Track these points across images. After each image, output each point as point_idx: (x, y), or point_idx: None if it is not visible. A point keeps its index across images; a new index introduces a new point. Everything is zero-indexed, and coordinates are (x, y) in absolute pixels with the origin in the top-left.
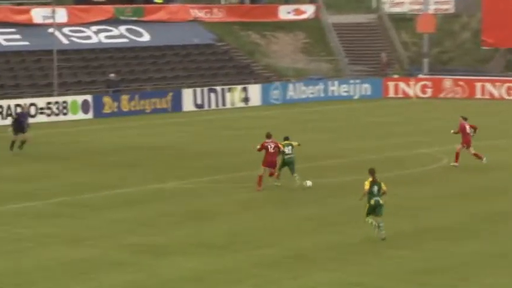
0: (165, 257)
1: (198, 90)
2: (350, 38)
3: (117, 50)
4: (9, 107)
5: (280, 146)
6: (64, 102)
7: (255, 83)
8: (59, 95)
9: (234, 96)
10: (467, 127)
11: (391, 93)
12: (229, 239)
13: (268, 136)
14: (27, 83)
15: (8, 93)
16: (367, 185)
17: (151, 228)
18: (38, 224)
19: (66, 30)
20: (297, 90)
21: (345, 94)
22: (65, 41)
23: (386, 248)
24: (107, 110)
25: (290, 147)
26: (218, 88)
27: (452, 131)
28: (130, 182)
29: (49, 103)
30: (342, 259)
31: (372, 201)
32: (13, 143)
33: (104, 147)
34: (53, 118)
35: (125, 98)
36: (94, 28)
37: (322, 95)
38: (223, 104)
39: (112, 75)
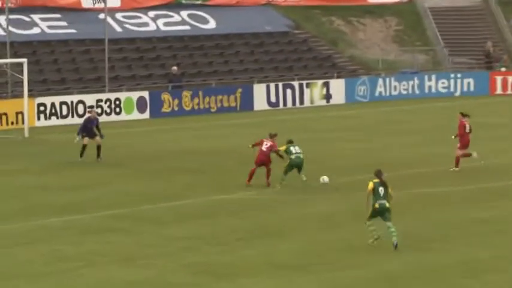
0: (229, 278)
1: (272, 85)
2: (450, 24)
3: (178, 39)
4: (53, 105)
5: (275, 145)
6: (117, 99)
7: (338, 77)
8: (110, 91)
9: (313, 93)
10: (467, 126)
11: (499, 90)
12: (304, 259)
13: (272, 136)
14: (73, 77)
15: (51, 88)
16: (370, 185)
17: (215, 246)
18: (84, 240)
19: (119, 16)
20: (387, 86)
21: (443, 90)
22: (117, 28)
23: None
24: (165, 109)
25: (297, 147)
26: (295, 83)
27: (453, 136)
28: (191, 192)
29: (99, 100)
30: (440, 280)
31: (377, 205)
32: (84, 147)
33: (161, 151)
34: (104, 118)
35: (186, 94)
36: (151, 14)
37: (416, 91)
38: (301, 102)
39: (174, 68)
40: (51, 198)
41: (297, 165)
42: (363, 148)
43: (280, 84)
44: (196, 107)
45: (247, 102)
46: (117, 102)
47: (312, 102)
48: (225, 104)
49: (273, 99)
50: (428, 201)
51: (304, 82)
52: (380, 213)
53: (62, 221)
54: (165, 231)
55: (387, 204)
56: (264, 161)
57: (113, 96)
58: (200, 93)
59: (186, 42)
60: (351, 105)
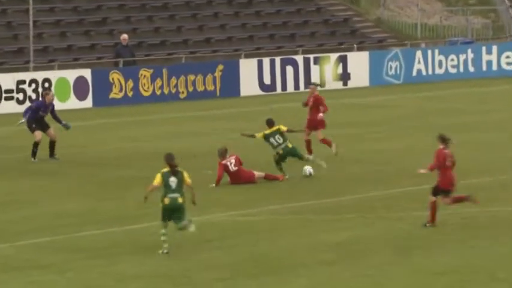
0: None
1: (266, 61)
2: None
3: None
4: None
5: (237, 158)
6: (45, 80)
7: (360, 49)
8: (37, 69)
9: (324, 72)
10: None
11: None
12: None
13: (222, 153)
14: None
15: None
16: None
17: None
18: None
19: None
20: (429, 62)
21: (509, 67)
22: None
23: None
24: (115, 95)
25: (277, 135)
26: (298, 58)
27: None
28: (151, 212)
29: (20, 82)
30: None
31: (166, 200)
32: (36, 145)
33: (110, 154)
34: (26, 106)
35: (144, 74)
36: None
37: (471, 69)
38: (307, 84)
39: (125, 36)
40: None
41: (291, 155)
42: (394, 150)
43: (277, 60)
44: (158, 92)
45: (230, 84)
46: (46, 85)
47: (322, 84)
48: (200, 88)
49: (266, 80)
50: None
51: (312, 56)
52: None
53: None
54: (114, 267)
55: (180, 200)
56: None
57: (40, 76)
58: (164, 71)
59: (143, 0)
60: (377, 89)
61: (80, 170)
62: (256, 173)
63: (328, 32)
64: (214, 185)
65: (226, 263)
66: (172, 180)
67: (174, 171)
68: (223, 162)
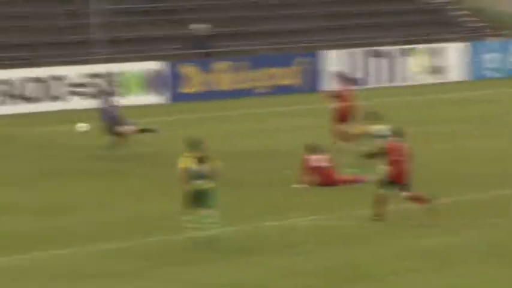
0: None
1: (350, 53)
2: None
3: None
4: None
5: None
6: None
7: (455, 40)
8: (103, 60)
9: (416, 64)
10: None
11: None
12: None
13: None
14: (46, 39)
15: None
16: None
17: None
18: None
19: None
20: None
21: None
22: None
23: None
24: (188, 89)
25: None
26: (387, 49)
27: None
28: (229, 214)
29: (89, 75)
30: None
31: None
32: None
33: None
34: (92, 102)
35: (219, 67)
36: None
37: None
38: (396, 77)
39: (198, 26)
40: (17, 226)
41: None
42: (495, 149)
43: (362, 51)
44: (234, 86)
45: (312, 78)
46: (117, 78)
47: (413, 78)
48: (279, 81)
49: (352, 73)
50: None
51: (401, 47)
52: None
53: (29, 260)
54: (188, 275)
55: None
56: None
57: (109, 68)
58: (241, 64)
59: None
60: (476, 84)
61: (151, 170)
62: (343, 176)
63: (420, 21)
64: (297, 185)
65: (309, 270)
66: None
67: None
68: (309, 158)
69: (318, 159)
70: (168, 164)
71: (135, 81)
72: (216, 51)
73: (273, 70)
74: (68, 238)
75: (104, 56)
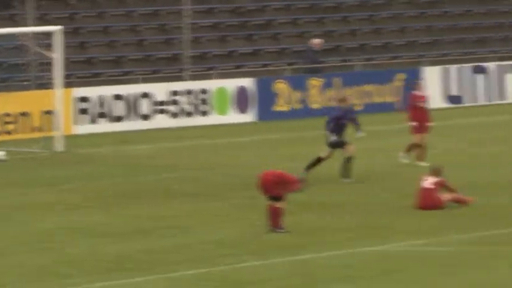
0: None
1: (453, 68)
2: None
3: None
4: (102, 100)
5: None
6: (202, 91)
7: None
8: (193, 77)
9: None
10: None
11: None
12: None
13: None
14: (132, 55)
15: (100, 73)
16: None
17: None
18: None
19: None
20: None
21: None
22: None
23: None
24: (279, 107)
25: None
26: (491, 65)
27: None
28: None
29: (174, 93)
30: None
31: None
32: (318, 160)
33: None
34: (178, 121)
35: (314, 84)
36: None
37: None
38: (501, 94)
39: (316, 41)
40: (97, 249)
41: None
42: None
43: (466, 67)
44: (330, 104)
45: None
46: (203, 96)
47: None
48: (377, 99)
49: (454, 90)
50: None
51: (506, 63)
52: None
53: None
54: None
55: None
56: (428, 206)
57: (196, 85)
58: (336, 81)
59: (312, 0)
60: None
61: (236, 192)
62: (445, 197)
63: None
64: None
65: None
66: None
67: None
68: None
69: (426, 179)
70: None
71: (223, 99)
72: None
73: (369, 87)
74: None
75: (193, 73)
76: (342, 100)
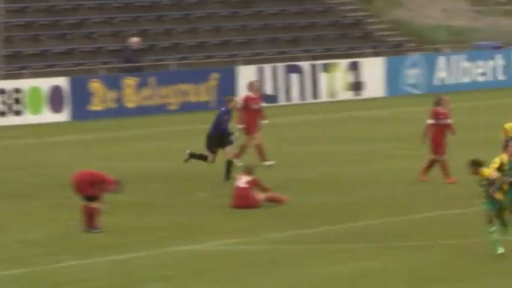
0: None
1: (267, 68)
2: None
3: None
4: None
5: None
6: (16, 90)
7: (375, 55)
8: (7, 76)
9: (334, 80)
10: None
11: None
12: None
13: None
14: None
15: None
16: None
17: None
18: None
19: None
20: (454, 69)
21: None
22: None
23: None
24: (95, 106)
25: None
26: (304, 65)
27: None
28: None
29: None
30: None
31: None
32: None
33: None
34: None
35: (129, 83)
36: None
37: (501, 77)
38: (315, 94)
39: (133, 40)
40: None
41: None
42: (416, 170)
43: (280, 66)
44: (145, 103)
45: (227, 94)
46: (17, 95)
47: (331, 94)
48: (193, 99)
49: (269, 89)
50: None
51: (320, 63)
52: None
53: None
54: None
55: None
56: (243, 205)
57: (9, 85)
58: (152, 80)
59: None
60: (396, 100)
61: (51, 191)
62: (260, 196)
63: (338, 35)
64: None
65: None
66: None
67: None
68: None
69: (241, 177)
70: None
71: (37, 98)
72: (124, 66)
73: (184, 86)
74: None
75: (6, 72)
76: (229, 100)
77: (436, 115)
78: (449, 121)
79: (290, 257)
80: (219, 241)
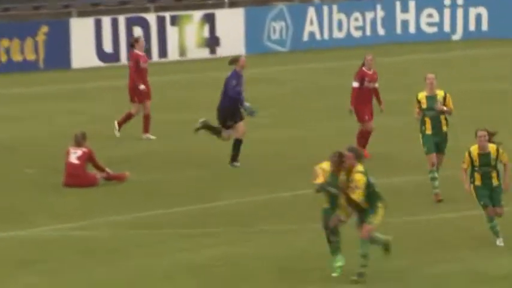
0: None
1: (106, 20)
2: None
3: None
4: None
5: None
6: None
7: (232, 5)
8: None
9: (185, 36)
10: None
11: None
12: None
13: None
14: None
15: None
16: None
17: None
18: None
19: None
20: (326, 23)
21: (430, 30)
22: None
23: None
24: None
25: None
26: (150, 17)
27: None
28: None
29: None
30: None
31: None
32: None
33: None
34: None
35: None
36: None
37: (381, 32)
38: (163, 52)
39: None
40: None
41: None
42: (282, 141)
43: (121, 18)
44: None
45: (58, 53)
46: None
47: (182, 52)
48: (16, 57)
49: (107, 47)
50: None
51: (168, 14)
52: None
53: None
54: None
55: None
56: (75, 183)
57: None
58: None
59: None
60: (256, 58)
61: None
62: (98, 174)
63: None
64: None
65: None
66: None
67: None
68: (70, 149)
69: (75, 150)
70: None
71: None
72: None
73: (6, 42)
74: None
75: None
76: (235, 60)
77: (361, 77)
78: (376, 85)
79: (134, 243)
80: (49, 226)
